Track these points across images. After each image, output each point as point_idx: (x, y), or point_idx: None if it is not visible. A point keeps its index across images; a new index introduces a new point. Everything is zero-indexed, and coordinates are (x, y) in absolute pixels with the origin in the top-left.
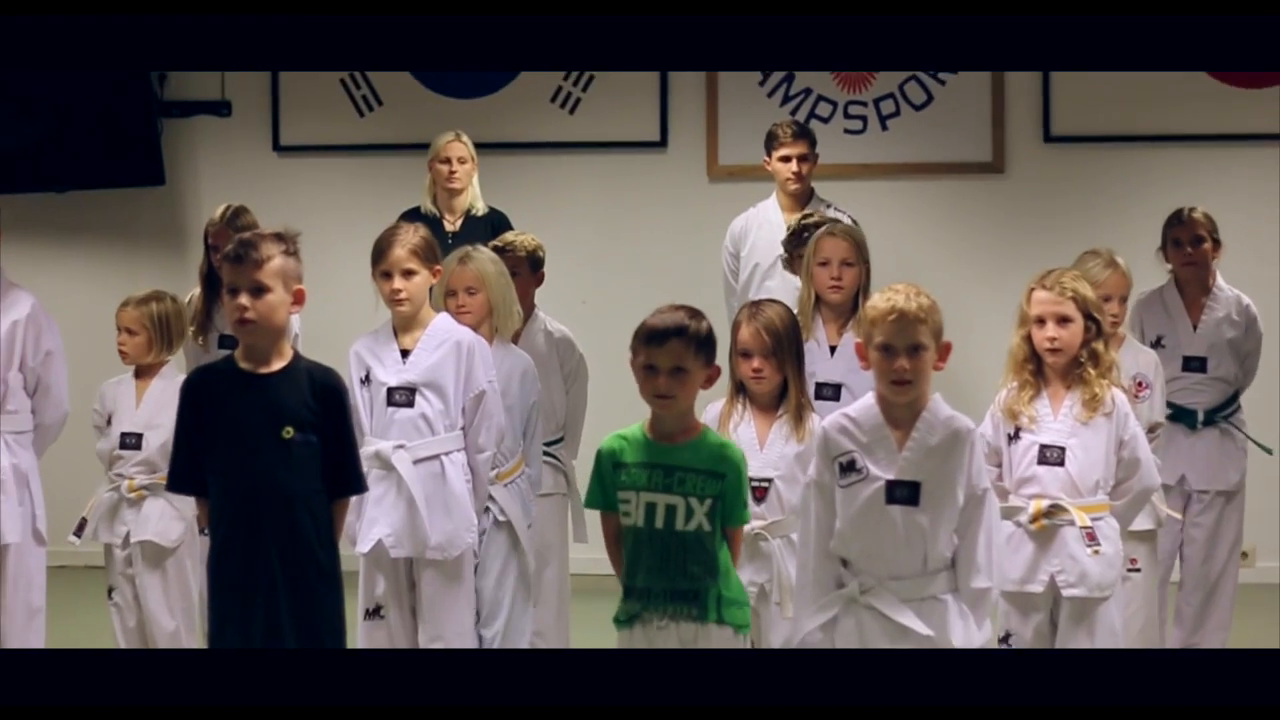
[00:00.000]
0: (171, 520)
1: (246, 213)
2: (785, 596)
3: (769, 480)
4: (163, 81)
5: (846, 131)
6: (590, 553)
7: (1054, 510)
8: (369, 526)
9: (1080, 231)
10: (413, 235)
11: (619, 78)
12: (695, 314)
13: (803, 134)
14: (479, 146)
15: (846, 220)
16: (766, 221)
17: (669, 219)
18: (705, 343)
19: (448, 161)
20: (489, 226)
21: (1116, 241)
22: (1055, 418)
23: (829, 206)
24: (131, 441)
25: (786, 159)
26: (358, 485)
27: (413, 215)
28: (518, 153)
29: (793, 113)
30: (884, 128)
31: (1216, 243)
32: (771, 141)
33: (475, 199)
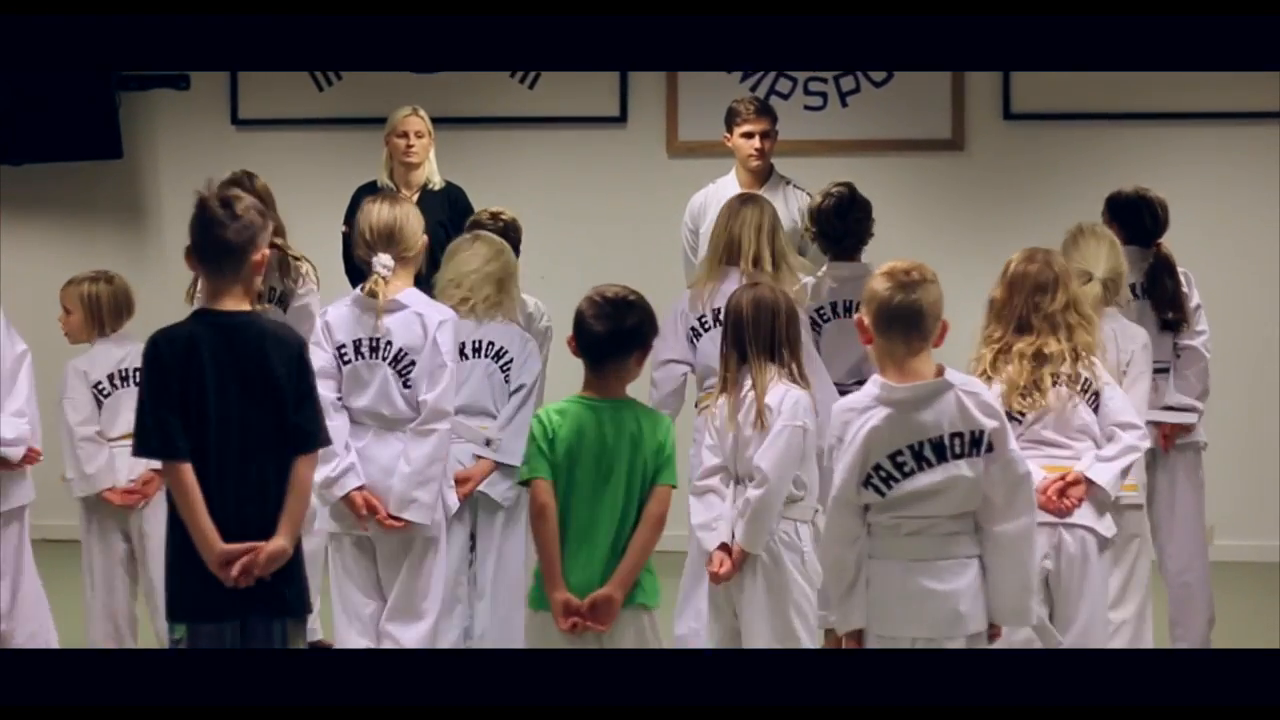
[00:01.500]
0: None
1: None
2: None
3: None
4: None
5: (806, 108)
6: None
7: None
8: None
9: (1040, 209)
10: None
11: None
12: (625, 310)
13: (765, 111)
14: (439, 121)
15: (805, 197)
16: (725, 198)
17: (629, 195)
18: (640, 341)
19: (405, 136)
20: (446, 201)
21: (1076, 218)
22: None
23: (788, 184)
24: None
25: (749, 135)
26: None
27: (369, 189)
28: (478, 127)
29: (753, 89)
30: (844, 104)
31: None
32: (733, 118)
33: (432, 173)
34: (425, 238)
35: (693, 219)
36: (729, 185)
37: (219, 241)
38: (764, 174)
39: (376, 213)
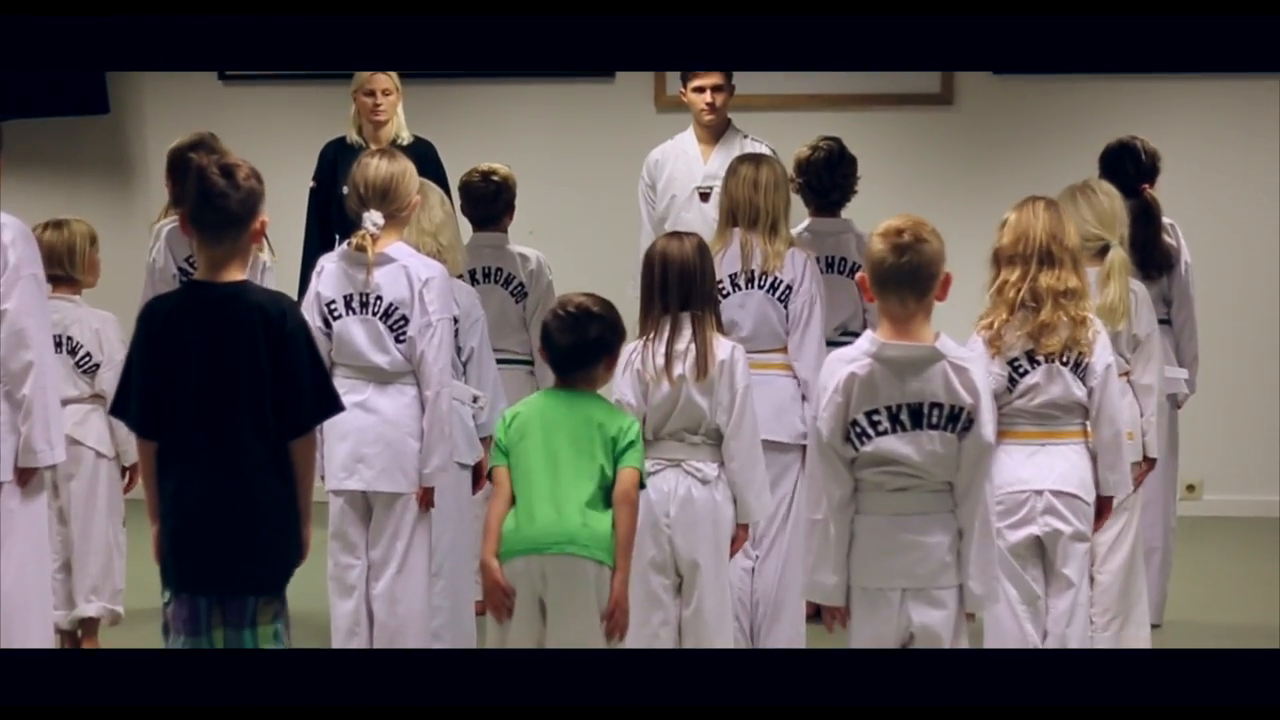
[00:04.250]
0: None
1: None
2: None
3: None
4: None
5: None
6: None
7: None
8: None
9: (1029, 164)
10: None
11: None
12: (587, 322)
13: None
14: (425, 76)
15: (765, 150)
16: (683, 154)
17: (616, 149)
18: (605, 350)
19: (371, 94)
20: (414, 156)
21: (1065, 174)
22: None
23: (746, 137)
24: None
25: (700, 89)
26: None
27: (338, 145)
28: (465, 82)
29: None
30: None
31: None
32: (686, 72)
33: (400, 128)
34: (418, 197)
35: (650, 174)
36: (686, 141)
37: (220, 210)
38: (719, 128)
39: (374, 169)
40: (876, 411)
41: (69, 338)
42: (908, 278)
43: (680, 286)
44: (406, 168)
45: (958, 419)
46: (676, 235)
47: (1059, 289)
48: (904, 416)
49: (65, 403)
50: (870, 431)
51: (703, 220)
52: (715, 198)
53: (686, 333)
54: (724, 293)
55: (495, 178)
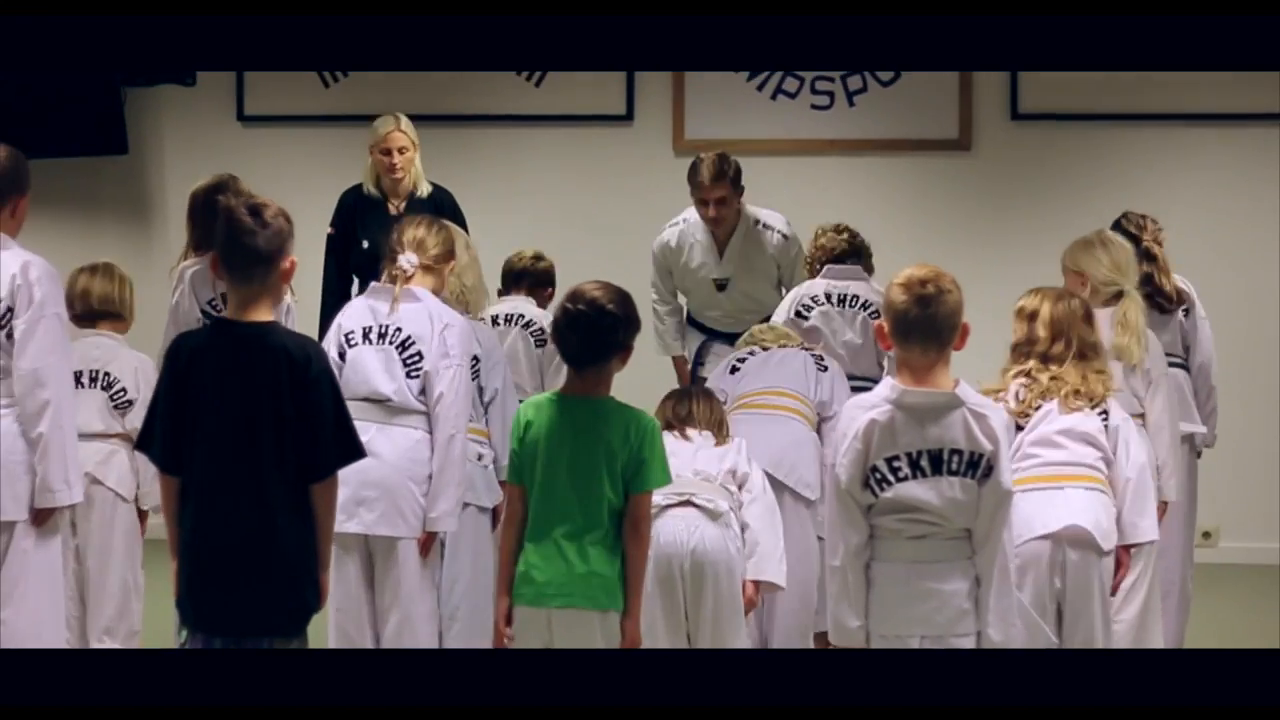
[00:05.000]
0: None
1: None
2: None
3: None
4: None
5: (814, 107)
6: None
7: None
8: None
9: (1047, 209)
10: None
11: None
12: (600, 316)
13: (720, 176)
14: (445, 119)
15: (781, 229)
16: (696, 243)
17: (635, 193)
18: (619, 345)
19: (388, 153)
20: (433, 206)
21: (1082, 218)
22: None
23: (758, 224)
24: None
25: (704, 202)
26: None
27: (357, 193)
28: (484, 125)
29: (759, 88)
30: (851, 104)
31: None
32: (693, 176)
33: (419, 180)
34: (454, 261)
35: (665, 259)
36: (699, 229)
37: (249, 251)
38: (729, 228)
39: (415, 225)
40: (897, 457)
41: (107, 373)
42: (930, 329)
43: None
44: (448, 234)
45: (977, 465)
46: None
47: (1090, 370)
48: (924, 462)
49: (92, 437)
50: (890, 477)
51: (720, 311)
52: (731, 287)
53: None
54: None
55: (542, 263)
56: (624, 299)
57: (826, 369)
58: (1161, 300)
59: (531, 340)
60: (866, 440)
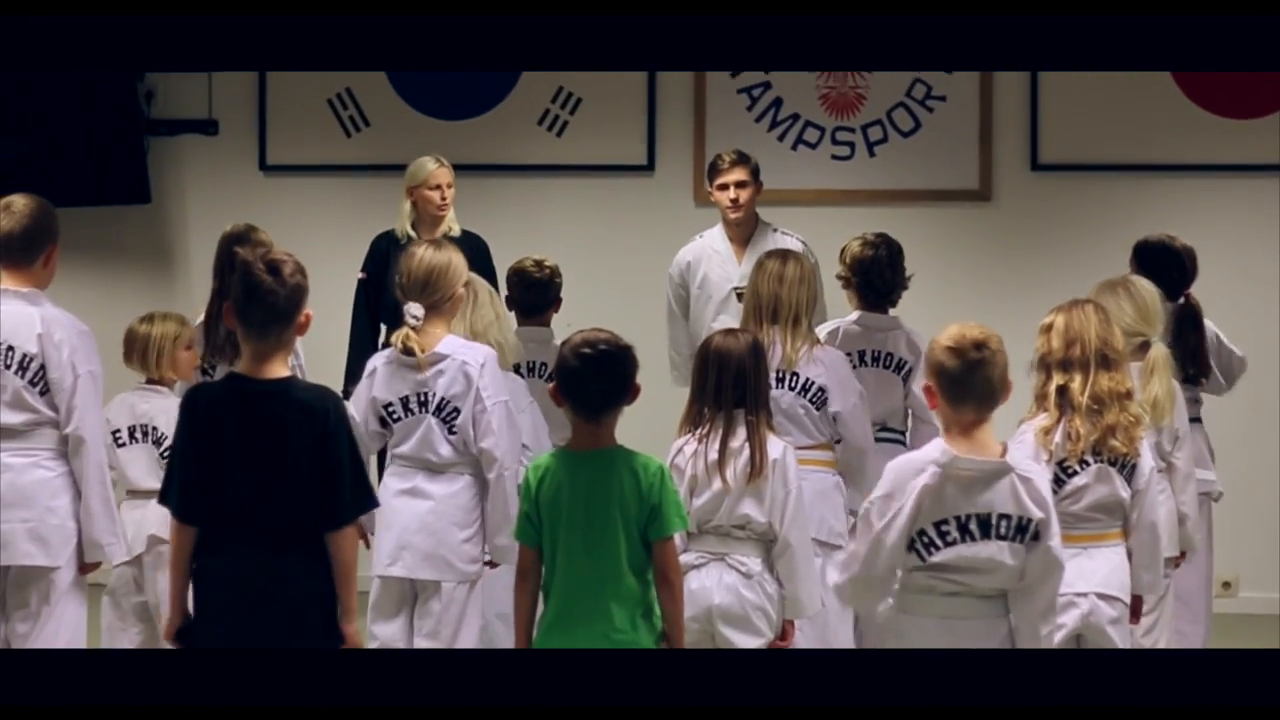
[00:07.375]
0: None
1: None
2: None
3: None
4: (150, 99)
5: (834, 158)
6: None
7: None
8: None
9: (1067, 260)
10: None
11: (607, 101)
12: (616, 361)
13: (741, 160)
14: (465, 168)
15: (796, 243)
16: (715, 253)
17: (656, 243)
18: (631, 387)
19: (438, 189)
20: (465, 249)
21: (1103, 269)
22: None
23: (776, 230)
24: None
25: (724, 187)
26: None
27: (389, 238)
28: (505, 175)
29: (780, 138)
30: (871, 154)
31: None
32: (713, 171)
33: (451, 221)
34: (462, 290)
35: (681, 275)
36: (716, 239)
37: (266, 307)
38: (748, 226)
39: (417, 259)
40: (945, 521)
41: (154, 428)
42: (985, 391)
43: (736, 386)
44: (451, 259)
45: (1026, 530)
46: (732, 333)
47: (1119, 391)
48: (973, 526)
49: (148, 495)
50: (939, 542)
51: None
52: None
53: (740, 432)
54: None
55: (547, 266)
56: (619, 338)
57: (826, 400)
58: (1204, 368)
59: None
60: (918, 505)
